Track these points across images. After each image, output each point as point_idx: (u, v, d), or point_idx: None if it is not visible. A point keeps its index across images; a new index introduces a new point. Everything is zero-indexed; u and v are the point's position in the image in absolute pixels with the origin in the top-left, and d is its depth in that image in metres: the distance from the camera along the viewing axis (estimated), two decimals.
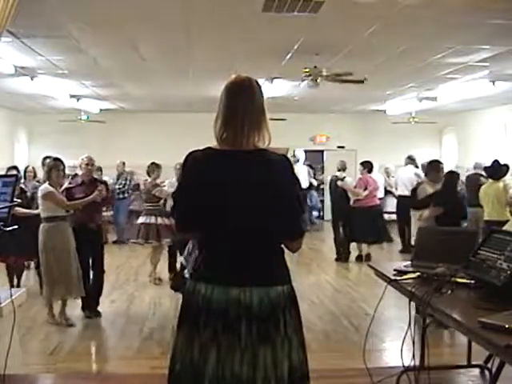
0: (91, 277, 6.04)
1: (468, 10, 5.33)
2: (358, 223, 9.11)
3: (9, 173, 7.07)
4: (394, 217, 10.89)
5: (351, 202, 9.33)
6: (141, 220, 7.60)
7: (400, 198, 10.34)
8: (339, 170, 9.61)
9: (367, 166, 9.48)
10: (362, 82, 7.93)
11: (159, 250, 7.68)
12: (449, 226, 4.70)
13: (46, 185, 5.58)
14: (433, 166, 6.45)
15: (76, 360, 4.73)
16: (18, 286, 6.57)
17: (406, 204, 9.90)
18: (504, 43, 6.63)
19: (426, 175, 6.63)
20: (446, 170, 8.15)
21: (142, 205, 10.74)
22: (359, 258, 9.33)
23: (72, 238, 5.58)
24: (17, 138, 13.85)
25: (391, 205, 10.92)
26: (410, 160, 10.36)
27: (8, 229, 2.99)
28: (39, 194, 5.62)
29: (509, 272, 2.59)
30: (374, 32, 6.15)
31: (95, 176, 6.54)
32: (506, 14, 5.33)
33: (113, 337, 5.27)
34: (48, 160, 7.08)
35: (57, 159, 5.82)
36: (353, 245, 9.45)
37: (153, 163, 7.73)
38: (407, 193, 10.02)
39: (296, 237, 2.16)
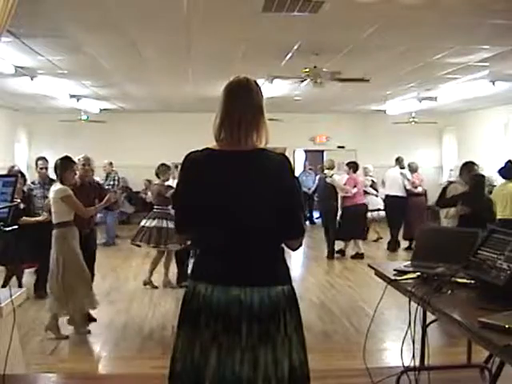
0: None
1: (468, 10, 5.34)
2: (347, 221, 9.41)
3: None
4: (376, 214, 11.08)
5: (340, 202, 9.61)
6: (150, 223, 7.19)
7: (387, 198, 10.49)
8: (328, 169, 9.91)
9: (353, 166, 9.79)
10: (367, 80, 7.92)
11: (170, 254, 7.37)
12: (473, 227, 4.72)
13: (62, 186, 5.06)
14: (467, 167, 6.51)
15: (76, 360, 4.73)
16: (20, 286, 6.54)
17: (395, 203, 10.07)
18: (504, 43, 6.64)
19: (459, 175, 6.70)
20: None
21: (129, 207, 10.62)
22: (340, 252, 9.68)
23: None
24: (17, 137, 13.85)
25: (371, 204, 10.99)
26: (397, 161, 10.62)
27: (8, 229, 2.99)
28: (55, 195, 5.05)
29: (509, 272, 2.59)
30: (374, 32, 6.15)
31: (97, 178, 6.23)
32: (506, 13, 5.33)
33: (113, 337, 5.26)
34: (40, 161, 7.06)
35: (69, 158, 5.27)
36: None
37: (163, 164, 7.45)
38: (393, 193, 10.25)
39: (297, 236, 2.16)
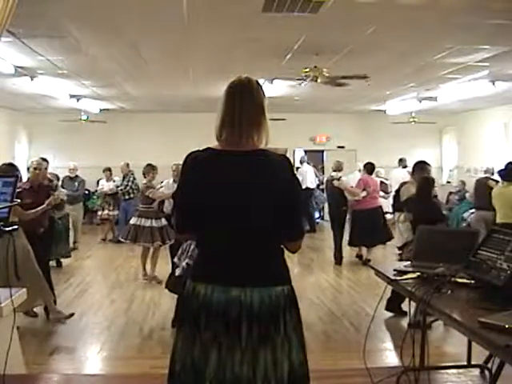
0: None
1: (468, 10, 5.33)
2: (359, 226, 8.96)
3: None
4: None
5: (351, 205, 9.15)
6: (132, 221, 7.64)
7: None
8: (335, 171, 9.52)
9: (367, 168, 9.43)
10: (365, 77, 7.87)
11: (156, 251, 7.69)
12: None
13: None
14: (418, 167, 6.43)
15: (76, 360, 4.73)
16: None
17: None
18: (504, 43, 6.63)
19: (412, 175, 6.60)
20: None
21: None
22: (359, 258, 9.26)
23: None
24: (17, 138, 13.85)
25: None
26: (400, 162, 10.56)
27: (8, 229, 2.99)
28: None
29: (509, 272, 2.60)
30: (374, 32, 6.14)
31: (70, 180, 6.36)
32: (506, 14, 5.33)
33: (113, 337, 5.27)
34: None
35: (12, 164, 5.61)
36: (347, 248, 9.38)
37: (148, 164, 7.73)
38: None
39: (296, 237, 2.16)
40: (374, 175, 10.09)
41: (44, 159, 7.02)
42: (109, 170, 11.88)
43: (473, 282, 2.88)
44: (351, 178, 9.59)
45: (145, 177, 7.69)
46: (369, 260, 9.01)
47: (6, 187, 3.07)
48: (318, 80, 7.77)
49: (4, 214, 3.00)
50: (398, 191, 6.53)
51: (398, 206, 6.34)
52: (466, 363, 4.01)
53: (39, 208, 5.54)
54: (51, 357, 4.71)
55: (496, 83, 9.27)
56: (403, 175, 10.25)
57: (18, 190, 5.16)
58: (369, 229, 8.85)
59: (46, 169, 6.84)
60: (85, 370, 4.57)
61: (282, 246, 2.14)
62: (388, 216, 10.39)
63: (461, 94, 10.58)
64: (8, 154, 12.69)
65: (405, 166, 10.58)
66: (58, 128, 13.75)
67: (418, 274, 3.16)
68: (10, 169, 5.44)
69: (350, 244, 9.26)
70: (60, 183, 9.45)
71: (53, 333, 5.32)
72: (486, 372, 3.89)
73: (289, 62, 7.86)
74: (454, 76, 8.92)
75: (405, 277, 3.20)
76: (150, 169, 7.66)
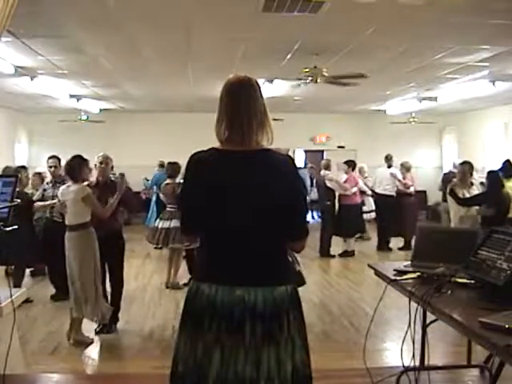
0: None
1: (468, 10, 5.33)
2: (346, 219, 9.51)
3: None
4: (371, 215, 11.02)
5: (337, 199, 9.64)
6: (163, 224, 7.13)
7: (378, 197, 10.47)
8: (325, 169, 9.85)
9: (351, 165, 9.82)
10: (363, 76, 7.89)
11: (179, 253, 7.34)
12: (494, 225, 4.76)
13: (81, 185, 4.87)
14: (463, 168, 6.53)
15: (76, 360, 4.72)
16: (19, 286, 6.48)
17: (384, 202, 10.05)
18: (504, 43, 6.63)
19: (460, 179, 6.72)
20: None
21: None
22: (345, 254, 9.66)
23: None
24: (17, 137, 13.85)
25: (368, 205, 10.87)
26: (386, 160, 10.58)
27: (8, 229, 2.99)
28: (75, 195, 4.81)
29: (509, 272, 2.59)
30: (374, 32, 6.15)
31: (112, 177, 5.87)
32: (506, 14, 5.33)
33: (113, 337, 5.26)
34: (51, 159, 6.91)
35: (80, 156, 5.08)
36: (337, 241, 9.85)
37: (175, 163, 7.27)
38: (382, 192, 10.27)
39: (299, 237, 2.16)
40: (357, 172, 10.53)
41: (56, 157, 6.87)
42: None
43: (473, 282, 2.88)
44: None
45: (171, 177, 7.27)
46: (353, 252, 9.65)
47: (6, 187, 3.06)
48: (318, 80, 7.77)
49: (4, 214, 2.99)
50: (452, 189, 6.58)
51: (471, 201, 6.34)
52: (466, 363, 4.01)
53: (113, 200, 5.04)
54: (51, 357, 4.71)
55: (496, 83, 9.28)
56: (387, 175, 10.32)
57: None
58: (354, 222, 9.64)
59: (56, 167, 6.64)
60: (85, 370, 4.57)
61: (285, 246, 2.14)
62: (372, 215, 10.65)
63: (461, 93, 10.58)
64: (8, 154, 12.70)
65: (390, 166, 10.53)
66: (58, 128, 13.76)
67: (418, 273, 3.16)
68: (80, 161, 5.03)
69: (339, 235, 9.80)
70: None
71: (53, 333, 5.32)
72: (486, 372, 3.89)
73: (289, 62, 7.86)
74: (454, 76, 8.92)
75: (405, 277, 3.20)
76: (177, 167, 7.16)
